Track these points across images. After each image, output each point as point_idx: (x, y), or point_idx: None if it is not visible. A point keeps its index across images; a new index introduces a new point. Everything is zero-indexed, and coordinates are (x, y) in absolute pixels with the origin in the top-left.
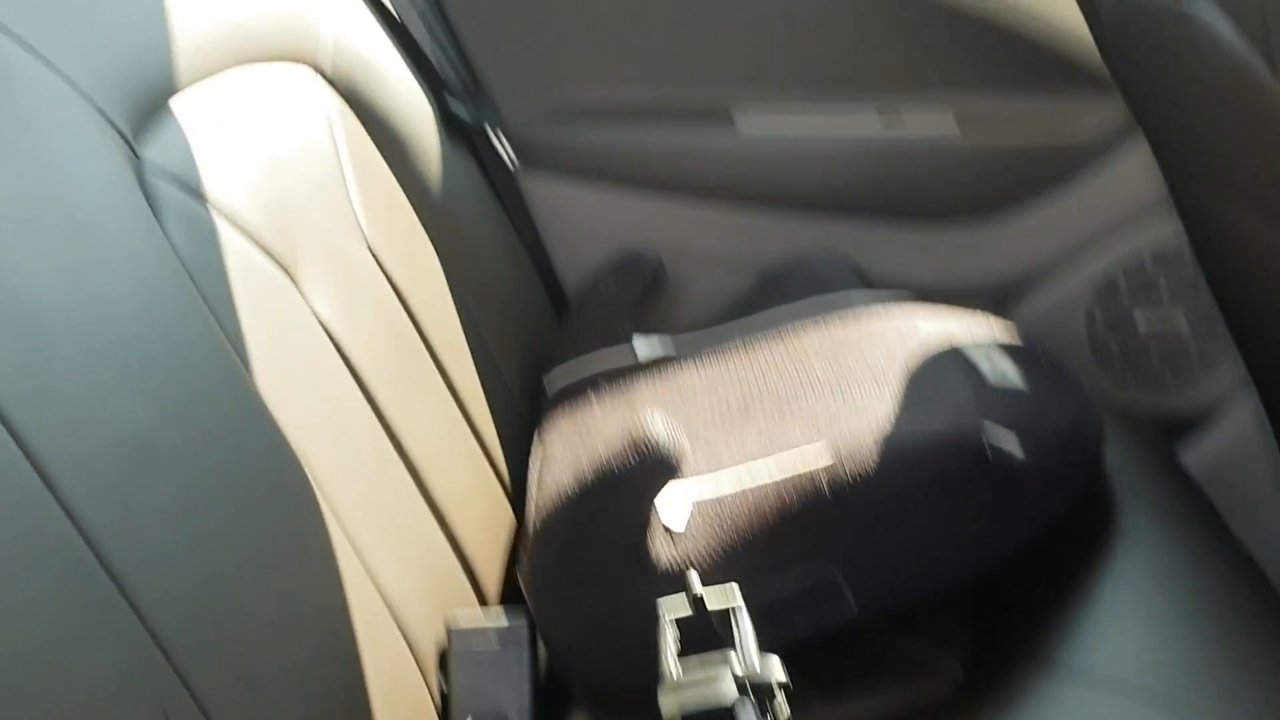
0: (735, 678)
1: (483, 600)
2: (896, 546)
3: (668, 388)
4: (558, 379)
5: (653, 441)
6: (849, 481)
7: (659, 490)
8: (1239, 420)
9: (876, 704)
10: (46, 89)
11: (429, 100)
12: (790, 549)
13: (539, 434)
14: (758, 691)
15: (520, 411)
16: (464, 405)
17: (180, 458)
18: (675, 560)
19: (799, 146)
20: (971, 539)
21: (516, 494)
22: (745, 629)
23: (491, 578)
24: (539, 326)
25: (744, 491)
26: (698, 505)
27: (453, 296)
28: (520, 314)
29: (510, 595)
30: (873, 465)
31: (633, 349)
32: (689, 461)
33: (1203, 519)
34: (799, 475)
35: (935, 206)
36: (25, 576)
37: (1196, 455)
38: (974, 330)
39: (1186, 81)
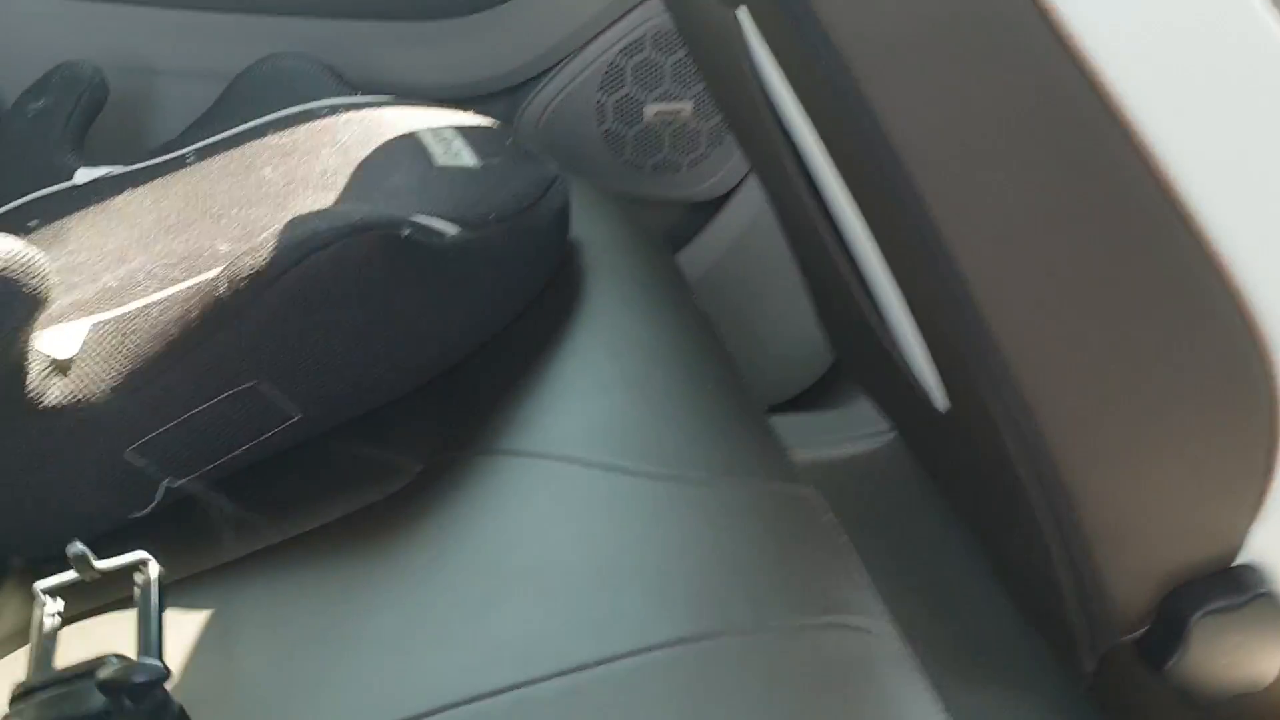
0: (107, 680)
1: None
2: (328, 344)
3: (105, 209)
4: None
5: None
6: (249, 282)
7: (19, 320)
8: (750, 195)
9: (329, 511)
10: None
11: None
12: (205, 361)
13: None
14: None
15: None
16: None
17: None
18: (70, 393)
19: None
20: (415, 329)
21: None
22: (152, 596)
23: None
24: None
25: (148, 305)
26: (97, 326)
27: None
28: None
29: None
30: (278, 263)
31: (75, 185)
32: (89, 277)
33: (666, 289)
34: (201, 281)
35: (422, 1)
36: None
37: (716, 230)
38: (437, 123)
39: None
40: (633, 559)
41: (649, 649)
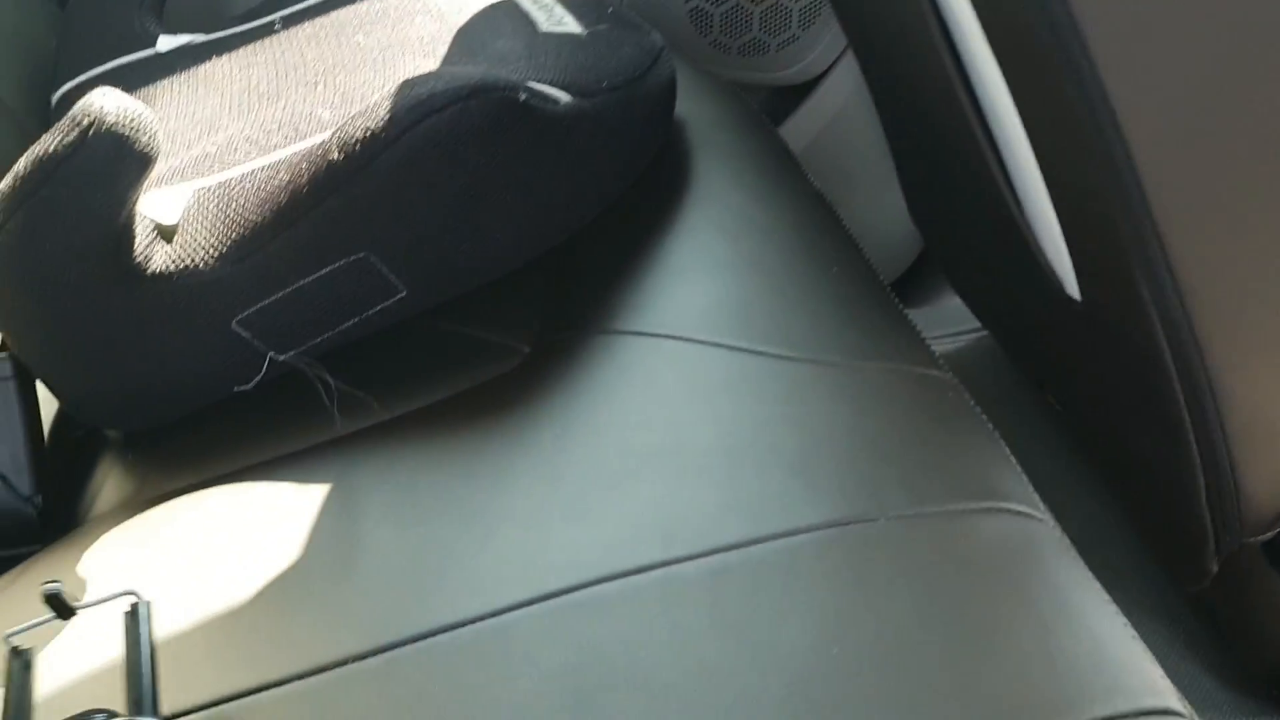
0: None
1: None
2: (438, 215)
3: (191, 77)
4: (72, 97)
5: (104, 123)
6: (363, 146)
7: (129, 180)
8: (840, 80)
9: (439, 390)
10: None
11: None
12: (313, 229)
13: None
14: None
15: (29, 137)
16: None
17: None
18: (175, 260)
19: None
20: (524, 201)
21: None
22: (143, 642)
23: None
24: (40, 27)
25: (253, 172)
26: (200, 193)
27: None
28: (15, 14)
29: None
30: (395, 125)
31: (158, 53)
32: (182, 145)
33: (778, 167)
34: (309, 147)
35: None
36: None
37: (803, 117)
38: None
39: None
40: (771, 441)
41: (800, 531)
